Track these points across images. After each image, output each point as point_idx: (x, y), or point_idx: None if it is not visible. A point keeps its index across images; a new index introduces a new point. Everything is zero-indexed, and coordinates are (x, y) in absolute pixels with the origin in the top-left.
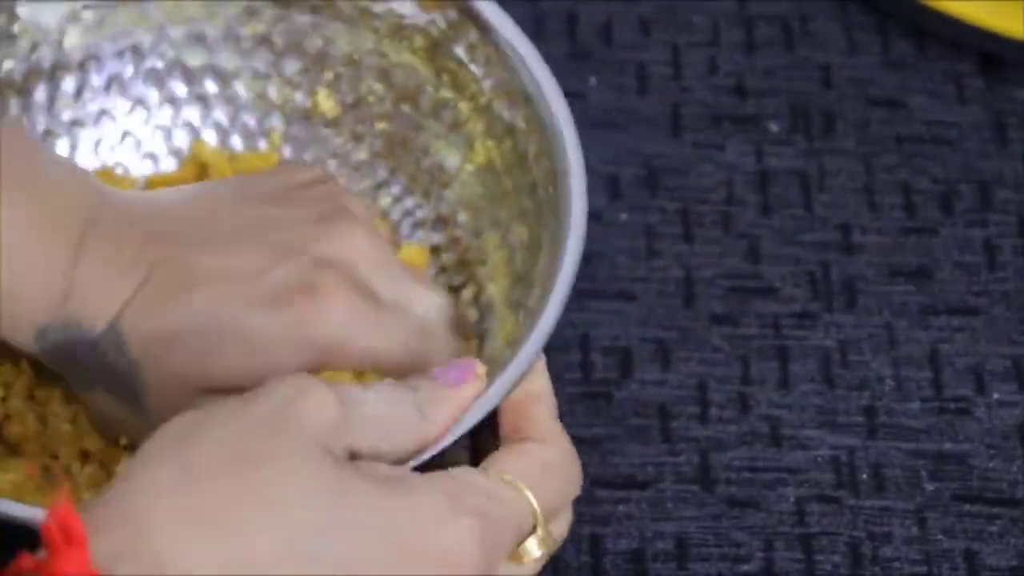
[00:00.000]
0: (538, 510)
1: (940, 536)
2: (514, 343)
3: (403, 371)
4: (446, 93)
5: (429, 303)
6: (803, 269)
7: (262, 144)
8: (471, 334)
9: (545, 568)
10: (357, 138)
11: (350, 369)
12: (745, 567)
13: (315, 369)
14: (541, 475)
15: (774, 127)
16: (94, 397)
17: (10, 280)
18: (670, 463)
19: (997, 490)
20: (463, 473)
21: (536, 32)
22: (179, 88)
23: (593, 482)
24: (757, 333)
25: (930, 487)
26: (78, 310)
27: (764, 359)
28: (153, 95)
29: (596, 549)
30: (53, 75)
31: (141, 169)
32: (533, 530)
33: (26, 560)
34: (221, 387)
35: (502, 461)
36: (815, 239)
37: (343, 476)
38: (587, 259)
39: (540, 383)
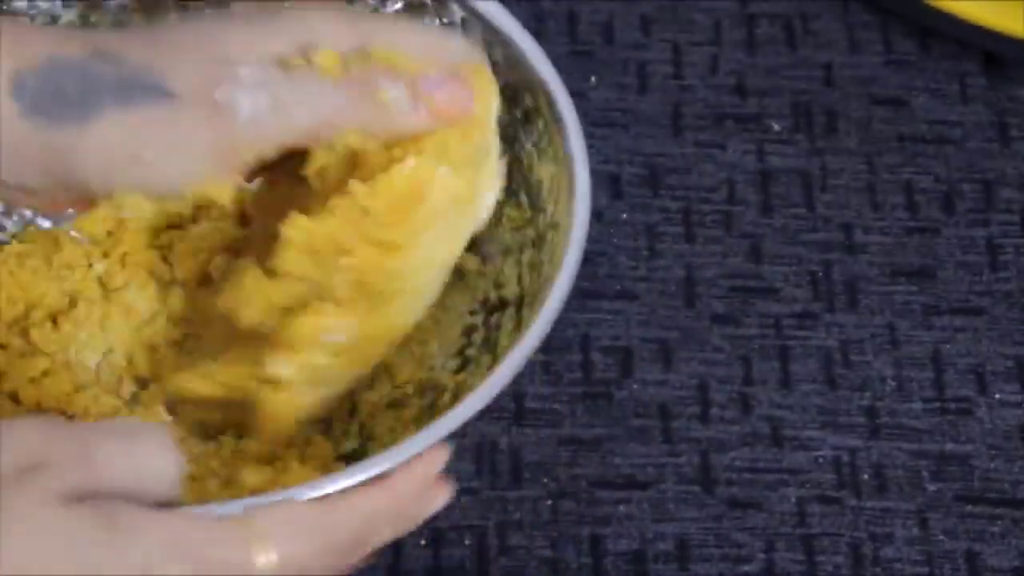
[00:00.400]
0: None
1: (942, 537)
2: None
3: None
4: None
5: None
6: (805, 269)
7: None
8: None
9: (545, 568)
10: None
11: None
12: (746, 568)
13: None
14: (293, 534)
15: (776, 126)
16: (103, 127)
17: None
18: (671, 463)
19: (999, 491)
20: (198, 518)
21: (537, 31)
22: None
23: (593, 483)
24: (758, 333)
25: (932, 488)
26: (55, 47)
27: (765, 359)
28: None
29: (596, 550)
30: None
31: None
32: None
33: None
34: (239, 61)
35: (267, 513)
36: (817, 239)
37: (58, 521)
38: (588, 258)
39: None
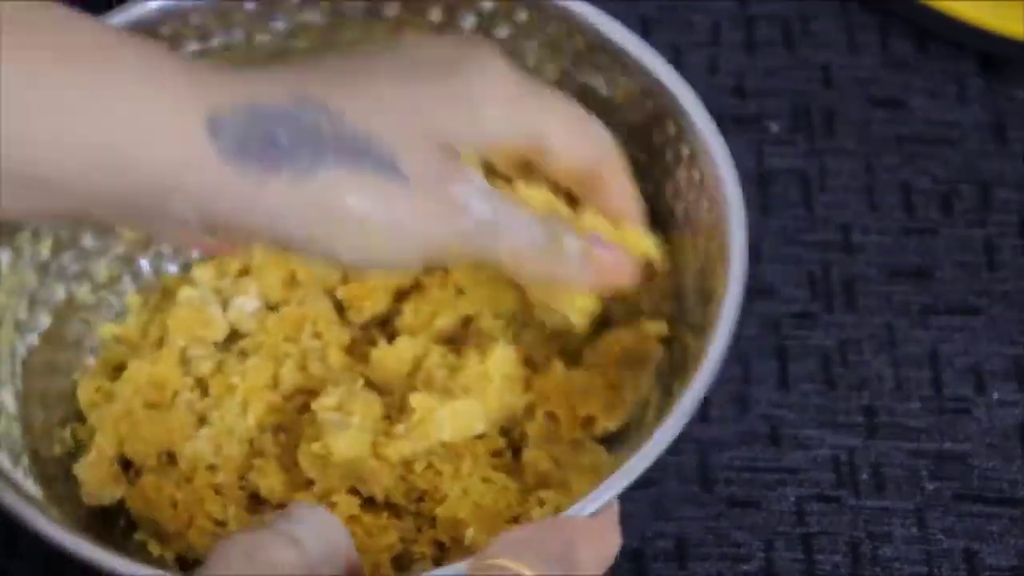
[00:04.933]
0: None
1: (940, 536)
2: None
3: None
4: None
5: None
6: (803, 269)
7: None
8: None
9: None
10: None
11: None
12: (745, 567)
13: (512, 115)
14: (524, 544)
15: (775, 127)
16: (325, 185)
17: (148, 72)
18: (671, 463)
19: (997, 489)
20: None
21: None
22: None
23: None
24: (757, 333)
25: (930, 487)
26: (252, 92)
27: (764, 359)
28: None
29: None
30: None
31: None
32: None
33: None
34: (449, 140)
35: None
36: (816, 239)
37: None
38: None
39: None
